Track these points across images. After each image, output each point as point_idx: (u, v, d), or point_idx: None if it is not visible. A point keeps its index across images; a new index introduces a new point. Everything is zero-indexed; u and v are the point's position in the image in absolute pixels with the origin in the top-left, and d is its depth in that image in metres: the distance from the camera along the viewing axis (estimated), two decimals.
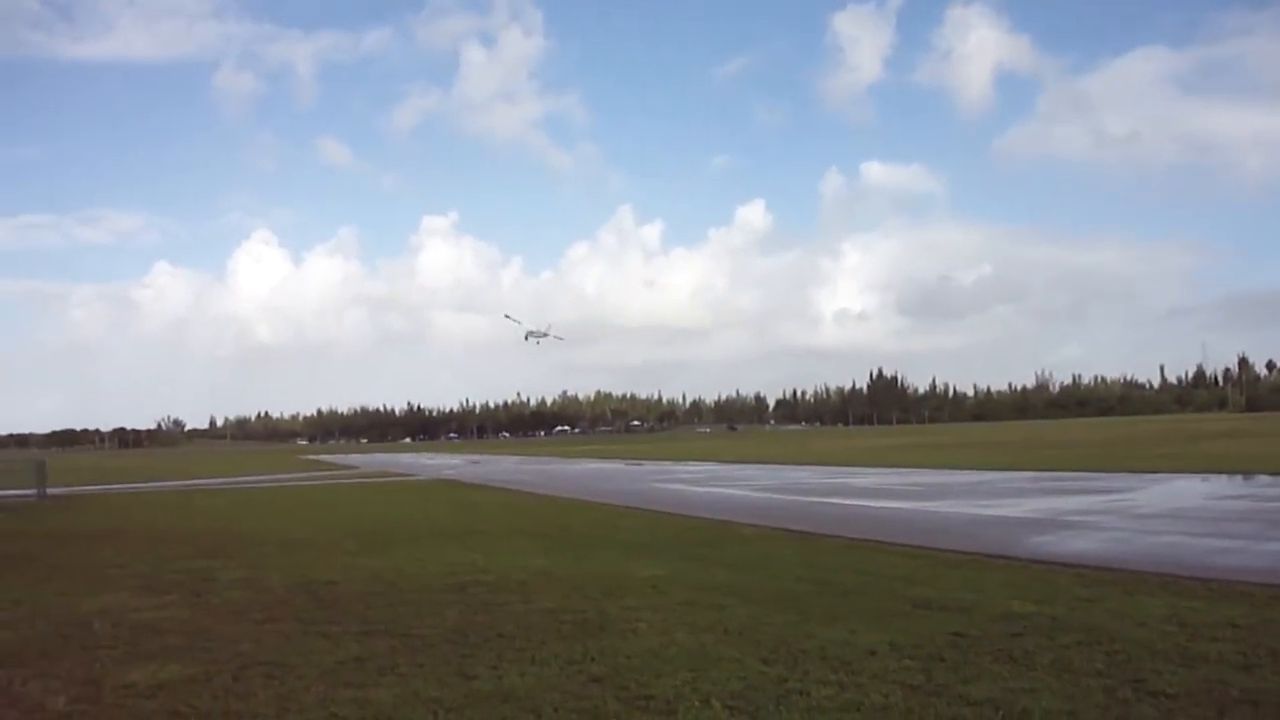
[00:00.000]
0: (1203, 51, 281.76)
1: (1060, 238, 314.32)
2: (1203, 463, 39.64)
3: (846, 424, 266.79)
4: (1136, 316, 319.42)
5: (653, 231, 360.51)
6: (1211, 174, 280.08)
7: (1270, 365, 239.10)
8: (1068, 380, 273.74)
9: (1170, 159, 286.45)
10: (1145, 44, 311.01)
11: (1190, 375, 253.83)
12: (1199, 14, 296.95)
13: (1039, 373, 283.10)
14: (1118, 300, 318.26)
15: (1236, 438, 66.08)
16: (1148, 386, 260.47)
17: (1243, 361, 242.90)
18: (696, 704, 8.02)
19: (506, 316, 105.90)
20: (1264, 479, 31.31)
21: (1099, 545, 17.67)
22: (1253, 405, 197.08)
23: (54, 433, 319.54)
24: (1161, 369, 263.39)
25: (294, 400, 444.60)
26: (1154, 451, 52.32)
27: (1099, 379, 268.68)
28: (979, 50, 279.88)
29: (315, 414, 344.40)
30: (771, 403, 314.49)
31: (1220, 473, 34.38)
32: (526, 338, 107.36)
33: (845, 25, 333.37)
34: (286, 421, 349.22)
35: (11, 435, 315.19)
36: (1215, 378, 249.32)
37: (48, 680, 9.51)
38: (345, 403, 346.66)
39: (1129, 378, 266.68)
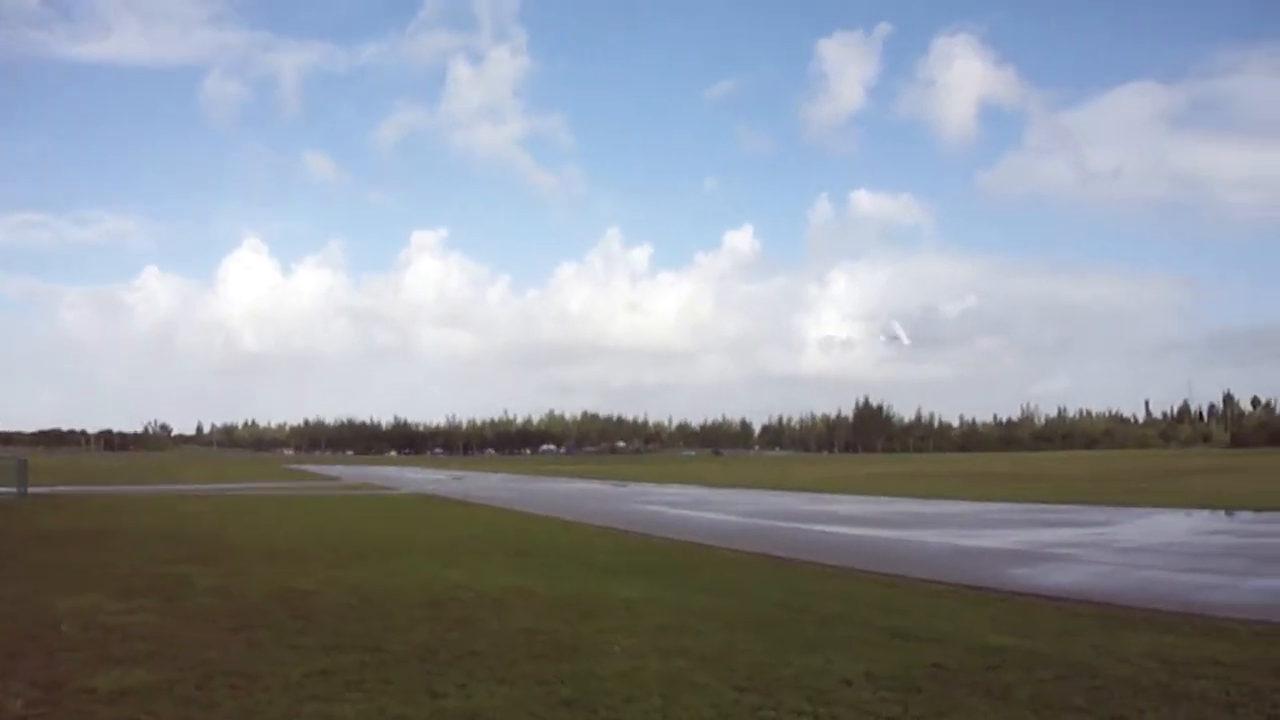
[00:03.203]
0: (1194, 87, 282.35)
1: (1046, 271, 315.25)
2: (1187, 498, 39.69)
3: (831, 451, 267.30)
4: (1122, 350, 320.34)
5: (641, 254, 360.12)
6: (1201, 210, 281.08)
7: (1255, 401, 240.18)
8: (1052, 413, 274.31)
9: (1160, 194, 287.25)
10: (1135, 79, 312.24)
11: (1176, 410, 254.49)
12: (1191, 49, 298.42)
13: (1024, 405, 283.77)
14: (1104, 334, 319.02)
15: (1221, 473, 66.23)
16: (1133, 421, 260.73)
17: (1228, 398, 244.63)
18: None
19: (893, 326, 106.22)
20: (1247, 515, 31.32)
21: (1081, 578, 17.61)
22: (1237, 441, 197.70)
23: (41, 432, 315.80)
24: (1147, 404, 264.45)
25: (281, 410, 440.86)
26: (1138, 485, 52.43)
27: (1084, 412, 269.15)
28: (964, 82, 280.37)
29: (302, 424, 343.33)
30: (757, 428, 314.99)
31: (1204, 508, 34.38)
32: (889, 339, 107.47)
33: (830, 52, 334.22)
34: (273, 430, 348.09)
35: None
36: (1201, 413, 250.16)
37: (8, 681, 9.36)
38: (332, 414, 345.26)
39: (1114, 412, 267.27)
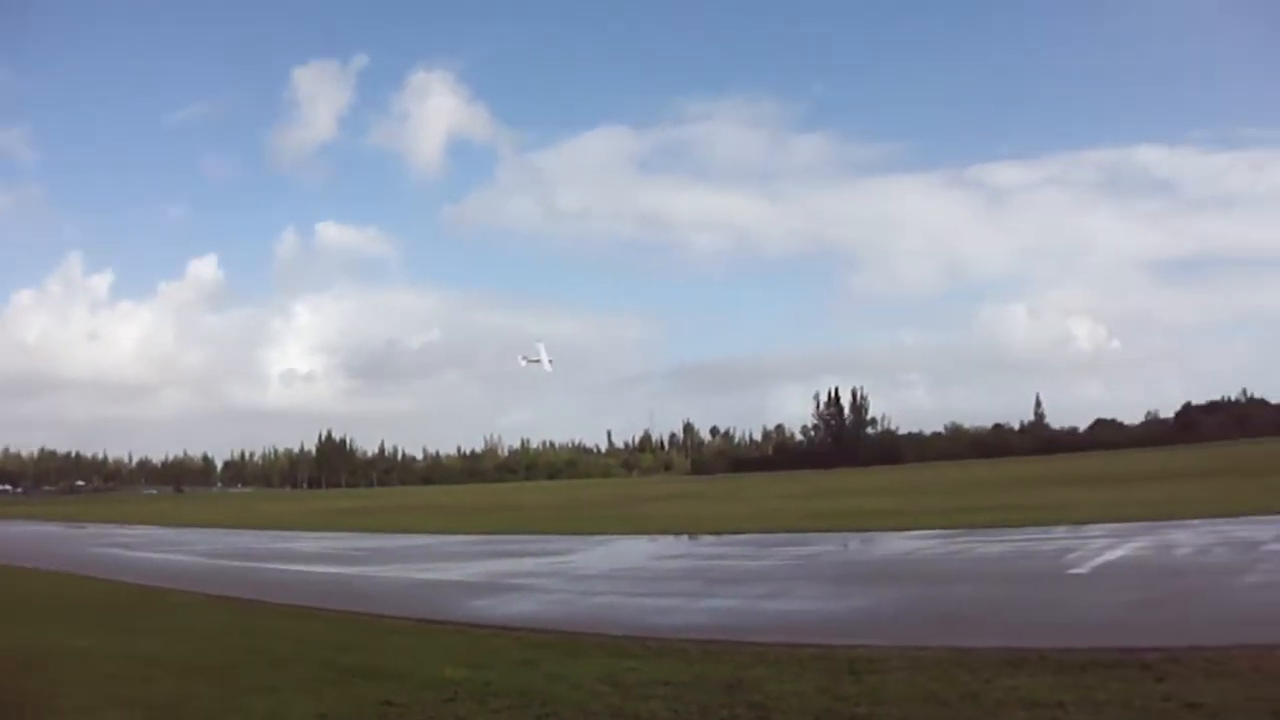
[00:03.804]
0: (664, 133, 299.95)
1: (513, 305, 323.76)
2: (647, 524, 41.97)
3: (295, 486, 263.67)
4: (586, 384, 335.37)
5: (102, 282, 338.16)
6: (665, 250, 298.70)
7: (714, 430, 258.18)
8: (516, 444, 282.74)
9: (626, 234, 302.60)
10: (607, 123, 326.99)
11: (638, 440, 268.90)
12: (664, 97, 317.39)
13: (488, 437, 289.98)
14: (567, 367, 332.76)
15: (682, 499, 70.63)
16: (596, 451, 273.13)
17: (688, 427, 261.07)
18: None
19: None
20: (707, 539, 33.61)
21: (539, 607, 18.31)
22: (697, 468, 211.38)
23: None
24: (609, 434, 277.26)
25: None
26: (599, 514, 54.94)
27: (548, 443, 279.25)
28: (437, 117, 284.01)
29: None
30: (219, 464, 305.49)
31: (664, 533, 36.59)
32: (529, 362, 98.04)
33: (305, 81, 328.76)
34: None
35: None
36: (662, 442, 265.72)
37: None
38: None
39: (577, 442, 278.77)
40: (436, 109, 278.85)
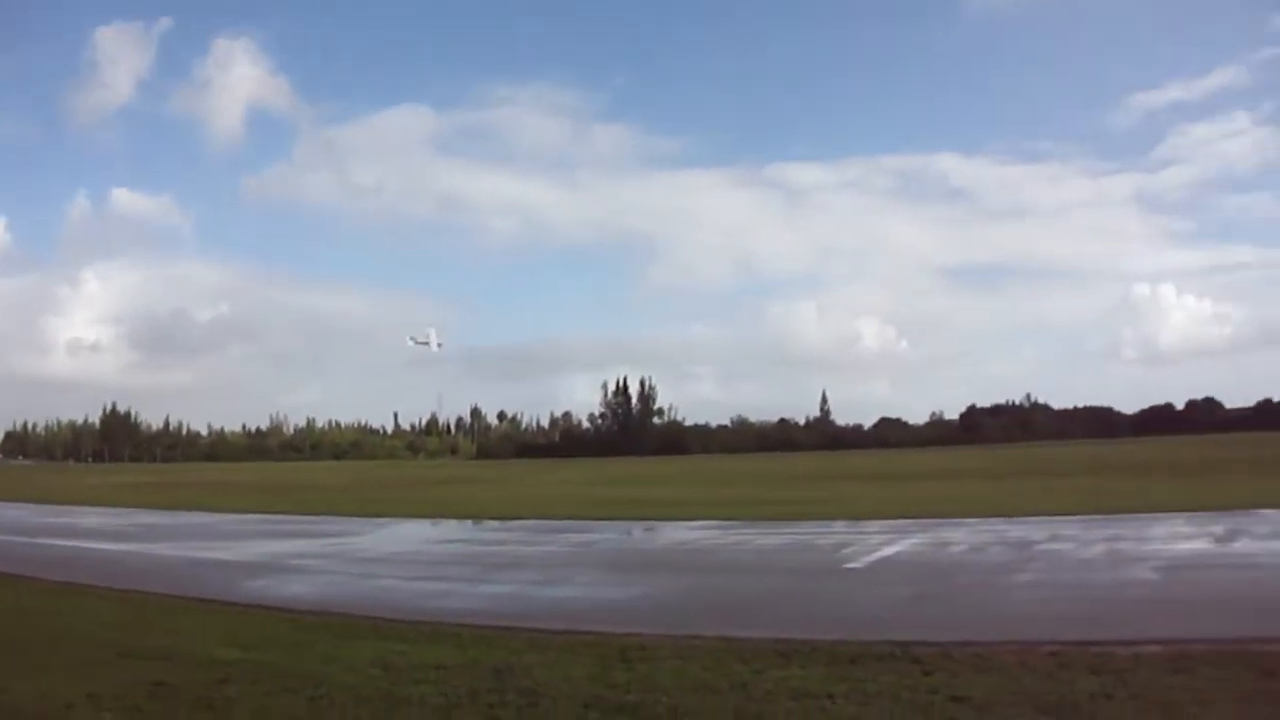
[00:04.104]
0: (466, 115, 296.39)
1: (303, 282, 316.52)
2: (430, 508, 41.80)
3: (79, 460, 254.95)
4: (374, 364, 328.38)
5: None
6: (459, 232, 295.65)
7: (501, 415, 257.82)
8: (302, 423, 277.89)
9: (421, 214, 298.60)
10: (408, 102, 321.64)
11: (424, 423, 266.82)
12: (468, 80, 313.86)
13: (273, 414, 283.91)
14: (356, 347, 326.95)
15: (468, 483, 70.54)
16: (382, 432, 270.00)
17: (475, 411, 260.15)
18: None
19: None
20: (490, 524, 33.73)
21: (316, 589, 18.44)
22: (483, 453, 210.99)
23: None
24: (396, 416, 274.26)
25: None
26: (383, 496, 54.59)
27: (333, 423, 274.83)
28: (237, 86, 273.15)
29: None
30: (0, 434, 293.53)
31: (447, 518, 36.65)
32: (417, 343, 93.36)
33: (107, 41, 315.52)
34: None
35: None
36: (449, 426, 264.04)
37: None
38: None
39: (363, 423, 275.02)
40: (238, 79, 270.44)
